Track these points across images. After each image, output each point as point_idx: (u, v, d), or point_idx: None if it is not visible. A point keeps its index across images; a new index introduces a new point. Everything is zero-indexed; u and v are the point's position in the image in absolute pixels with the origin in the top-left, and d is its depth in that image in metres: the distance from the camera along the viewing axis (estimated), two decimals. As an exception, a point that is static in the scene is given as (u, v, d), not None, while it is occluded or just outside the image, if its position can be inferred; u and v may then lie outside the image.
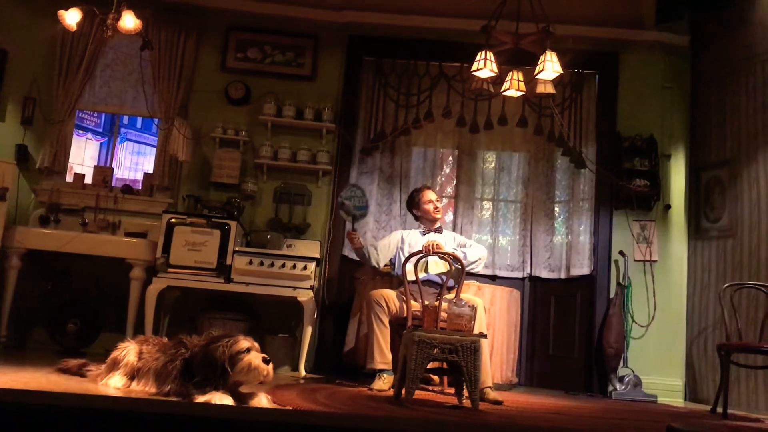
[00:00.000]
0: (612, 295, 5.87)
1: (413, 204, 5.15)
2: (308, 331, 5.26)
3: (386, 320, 4.58)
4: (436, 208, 5.04)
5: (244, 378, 2.85)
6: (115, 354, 3.29)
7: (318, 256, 5.57)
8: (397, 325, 4.58)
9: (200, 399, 2.77)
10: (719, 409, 4.54)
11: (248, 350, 2.88)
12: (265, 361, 2.88)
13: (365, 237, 5.87)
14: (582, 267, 6.04)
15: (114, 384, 3.18)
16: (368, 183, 6.22)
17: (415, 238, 5.00)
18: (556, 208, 6.32)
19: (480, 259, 4.91)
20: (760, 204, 5.44)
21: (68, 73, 5.97)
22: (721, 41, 6.06)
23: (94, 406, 1.81)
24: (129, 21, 4.76)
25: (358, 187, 5.22)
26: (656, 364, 5.78)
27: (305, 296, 5.21)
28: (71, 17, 4.82)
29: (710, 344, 5.63)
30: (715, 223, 5.86)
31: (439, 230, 5.05)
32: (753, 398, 5.21)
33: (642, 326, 5.83)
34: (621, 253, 5.90)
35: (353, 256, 5.97)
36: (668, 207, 6.01)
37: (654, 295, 5.87)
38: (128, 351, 3.26)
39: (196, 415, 1.88)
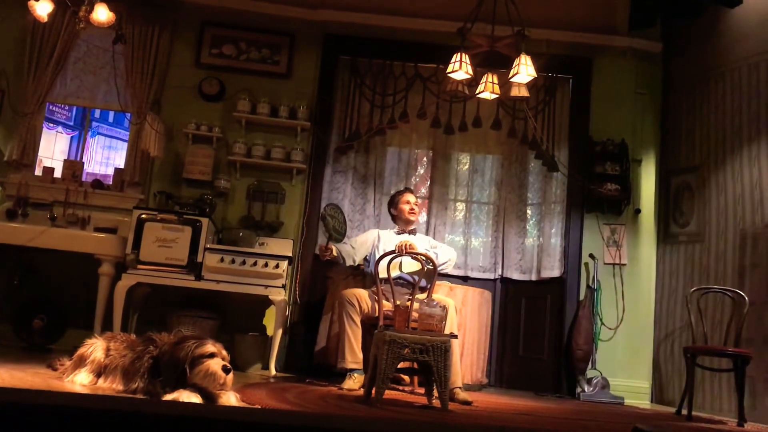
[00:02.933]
0: (582, 297, 5.93)
1: (392, 203, 5.26)
2: (279, 330, 5.23)
3: (358, 320, 4.59)
4: (411, 210, 5.11)
5: (201, 381, 2.80)
6: (81, 351, 3.25)
7: (290, 254, 5.55)
8: (369, 324, 4.58)
9: (168, 397, 2.74)
10: (684, 411, 4.62)
11: (212, 355, 2.84)
12: (225, 370, 2.83)
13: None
14: (553, 269, 6.10)
15: (80, 381, 3.14)
16: (342, 182, 6.22)
17: (389, 238, 5.03)
18: (528, 211, 6.37)
19: (449, 260, 5.00)
20: (727, 210, 5.55)
21: (38, 64, 5.88)
22: (693, 49, 6.16)
23: (58, 404, 1.79)
24: (102, 13, 4.69)
25: (342, 212, 5.25)
26: (624, 366, 5.85)
27: (277, 295, 5.18)
28: (42, 8, 4.73)
29: (677, 347, 5.72)
30: (683, 228, 5.95)
31: (413, 232, 5.10)
32: (717, 401, 5.31)
33: (610, 329, 5.89)
34: (591, 256, 5.97)
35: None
36: (638, 211, 6.10)
37: (623, 298, 5.95)
38: (95, 348, 3.21)
39: (162, 413, 1.86)
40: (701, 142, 5.92)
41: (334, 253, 4.91)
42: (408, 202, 5.13)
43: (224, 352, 2.91)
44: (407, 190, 5.34)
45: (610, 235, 6.05)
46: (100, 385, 3.10)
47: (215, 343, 2.92)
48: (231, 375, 2.86)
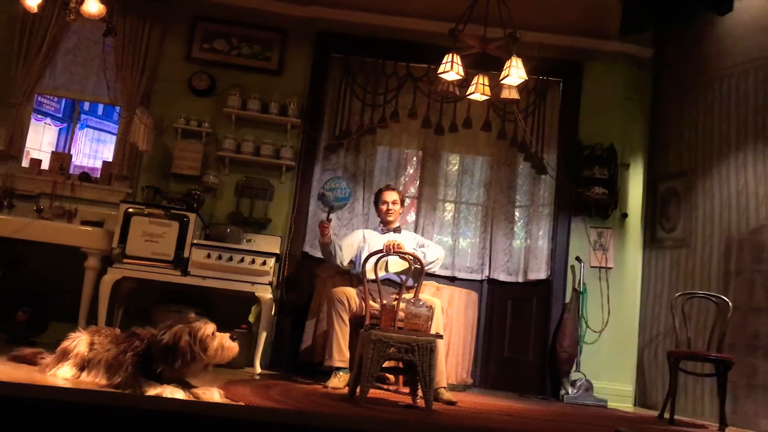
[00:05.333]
0: (567, 300, 5.96)
1: (375, 201, 5.26)
2: (265, 327, 5.22)
3: (347, 318, 4.59)
4: (387, 210, 5.06)
5: (218, 359, 2.95)
6: (65, 344, 3.22)
7: (278, 251, 5.53)
8: (357, 323, 4.58)
9: (151, 392, 2.73)
10: (667, 415, 4.65)
11: (213, 334, 2.96)
12: (232, 339, 3.00)
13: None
14: (539, 271, 6.12)
15: (63, 374, 3.12)
16: (331, 180, 6.22)
17: (375, 237, 5.02)
18: (516, 213, 6.39)
19: (438, 259, 4.98)
20: (714, 217, 5.59)
21: (28, 55, 5.84)
22: (683, 56, 6.20)
23: (39, 397, 1.78)
24: (92, 6, 4.65)
25: (341, 178, 5.15)
26: (608, 369, 5.88)
27: (263, 292, 5.17)
28: (32, -2, 4.70)
29: (661, 351, 5.75)
30: (669, 233, 5.99)
31: (397, 230, 5.08)
32: (699, 405, 5.35)
33: (595, 332, 5.92)
34: (577, 259, 5.99)
35: (314, 252, 5.97)
36: (625, 215, 6.13)
37: (608, 302, 5.97)
38: (79, 341, 3.19)
39: (146, 408, 1.86)
40: (689, 148, 5.96)
41: (331, 236, 4.88)
42: (385, 202, 5.07)
43: (212, 323, 3.02)
44: (387, 187, 5.23)
45: (596, 238, 6.08)
46: (83, 379, 3.08)
47: (203, 319, 3.02)
48: (237, 342, 3.03)
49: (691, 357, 4.84)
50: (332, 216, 4.93)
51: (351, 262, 5.09)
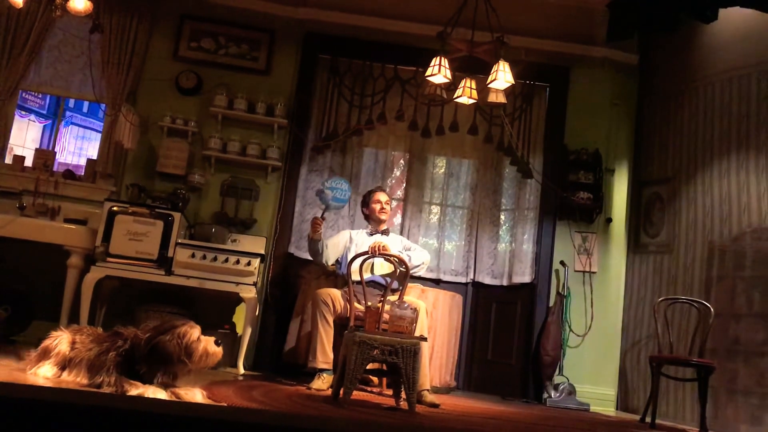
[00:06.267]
0: (551, 303, 5.98)
1: (364, 202, 5.25)
2: (249, 328, 5.20)
3: (331, 319, 4.58)
4: (381, 209, 5.10)
5: (202, 365, 2.95)
6: (46, 343, 3.19)
7: (263, 252, 5.51)
8: (341, 325, 4.58)
9: (133, 392, 2.71)
10: (648, 419, 4.68)
11: (199, 338, 2.95)
12: (217, 344, 3.00)
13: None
14: (524, 275, 6.14)
15: (44, 373, 3.08)
16: (318, 181, 6.20)
17: (362, 239, 5.02)
18: (502, 216, 6.41)
19: (423, 263, 5.00)
20: (697, 222, 5.64)
21: (12, 51, 5.78)
22: (668, 62, 6.25)
23: (19, 396, 1.76)
24: (79, 2, 4.61)
25: (346, 180, 5.14)
26: (591, 373, 5.91)
27: (247, 292, 5.15)
28: (18, -6, 4.66)
29: (643, 356, 5.79)
30: (653, 239, 6.04)
31: (385, 232, 5.10)
32: (680, 410, 5.39)
33: (579, 336, 5.95)
34: (562, 263, 6.02)
35: (299, 254, 5.97)
36: (609, 220, 6.16)
37: (592, 306, 6.01)
38: (60, 340, 3.16)
39: (129, 408, 1.85)
40: (674, 154, 6.01)
41: (321, 234, 4.88)
42: (378, 201, 5.11)
43: (199, 327, 3.01)
44: (378, 188, 5.31)
45: (581, 242, 6.12)
46: (64, 378, 3.05)
47: (189, 323, 3.01)
48: (221, 347, 3.03)
49: (673, 362, 4.88)
50: (325, 215, 4.95)
51: (337, 262, 5.09)
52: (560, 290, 5.99)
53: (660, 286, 5.85)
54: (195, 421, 1.77)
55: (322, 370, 4.47)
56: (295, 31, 6.27)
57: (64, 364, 3.11)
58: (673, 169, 5.98)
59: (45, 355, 3.16)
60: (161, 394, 2.74)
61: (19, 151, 7.00)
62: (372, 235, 5.06)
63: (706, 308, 4.88)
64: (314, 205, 6.07)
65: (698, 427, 4.55)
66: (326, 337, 4.54)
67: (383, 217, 5.10)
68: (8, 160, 5.96)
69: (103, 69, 5.91)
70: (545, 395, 5.68)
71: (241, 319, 5.53)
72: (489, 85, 4.83)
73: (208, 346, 2.95)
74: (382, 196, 5.14)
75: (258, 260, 5.21)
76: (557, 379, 5.74)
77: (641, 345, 5.93)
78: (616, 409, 5.95)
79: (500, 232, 6.37)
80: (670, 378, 4.99)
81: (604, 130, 6.31)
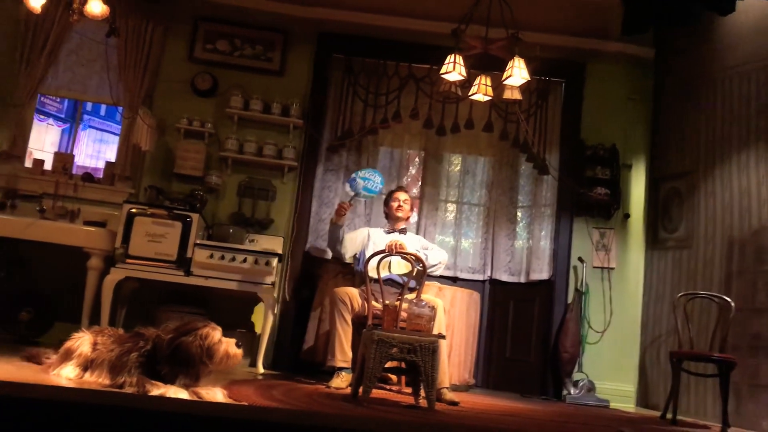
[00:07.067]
0: (569, 300, 5.96)
1: (386, 201, 5.31)
2: (267, 327, 5.23)
3: (349, 318, 4.59)
4: (399, 207, 5.14)
5: (223, 366, 2.99)
6: (68, 344, 3.23)
7: (280, 251, 5.54)
8: (359, 323, 4.59)
9: (155, 392, 2.74)
10: (669, 415, 4.65)
11: (220, 340, 2.99)
12: (238, 345, 3.04)
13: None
14: (541, 272, 6.12)
15: (66, 374, 3.12)
16: (334, 180, 6.23)
17: (379, 237, 5.04)
18: (519, 213, 6.39)
19: (440, 263, 5.01)
20: (716, 217, 5.58)
21: (31, 56, 5.84)
22: (685, 56, 6.19)
23: (43, 397, 1.78)
24: (96, 6, 4.66)
25: (380, 174, 5.18)
26: (610, 369, 5.88)
27: (266, 292, 5.18)
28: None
29: (663, 352, 5.75)
30: (672, 234, 5.99)
31: (403, 231, 5.11)
32: (702, 405, 5.34)
33: (598, 332, 5.92)
34: (580, 259, 5.99)
35: (316, 253, 5.98)
36: (627, 216, 6.13)
37: (610, 302, 5.98)
38: (82, 341, 3.20)
39: (151, 408, 1.86)
40: (691, 148, 5.95)
41: (344, 222, 4.94)
42: (397, 199, 5.17)
43: (220, 328, 3.05)
44: (400, 188, 5.37)
45: (599, 239, 6.08)
46: (87, 379, 3.09)
47: (211, 325, 3.04)
48: (241, 350, 3.08)
49: (694, 357, 4.84)
50: (353, 202, 4.97)
51: (354, 258, 5.12)
52: (578, 287, 5.96)
53: (679, 281, 5.80)
54: (217, 420, 1.79)
55: (341, 369, 4.48)
56: (308, 31, 6.29)
57: (87, 365, 3.14)
58: (692, 164, 5.92)
59: (67, 356, 3.20)
60: (183, 394, 2.76)
61: (38, 155, 7.06)
62: (389, 233, 5.08)
63: (727, 303, 4.84)
64: (330, 204, 6.10)
65: (720, 423, 4.52)
66: (344, 335, 4.56)
67: (399, 214, 5.12)
68: (28, 163, 6.03)
69: (120, 72, 5.96)
70: (564, 392, 5.66)
71: (259, 318, 5.56)
72: (504, 82, 4.81)
73: (229, 348, 2.99)
74: (401, 195, 5.19)
75: (276, 260, 5.23)
76: (576, 375, 5.72)
77: (661, 341, 5.88)
78: (636, 405, 5.91)
79: (517, 229, 6.35)
80: (691, 374, 4.95)
81: (621, 125, 6.26)
